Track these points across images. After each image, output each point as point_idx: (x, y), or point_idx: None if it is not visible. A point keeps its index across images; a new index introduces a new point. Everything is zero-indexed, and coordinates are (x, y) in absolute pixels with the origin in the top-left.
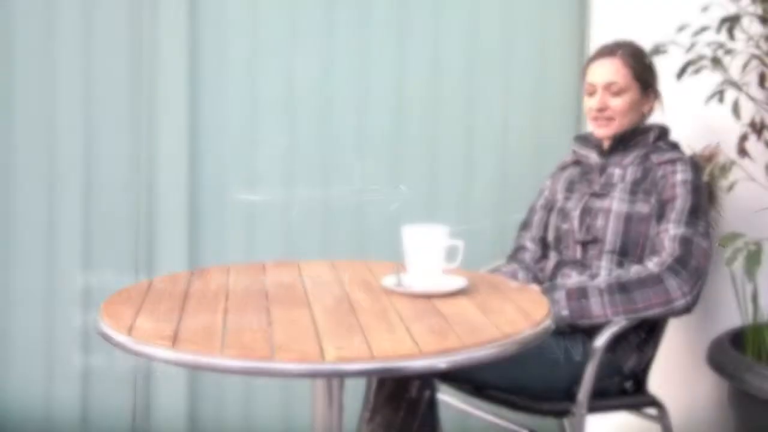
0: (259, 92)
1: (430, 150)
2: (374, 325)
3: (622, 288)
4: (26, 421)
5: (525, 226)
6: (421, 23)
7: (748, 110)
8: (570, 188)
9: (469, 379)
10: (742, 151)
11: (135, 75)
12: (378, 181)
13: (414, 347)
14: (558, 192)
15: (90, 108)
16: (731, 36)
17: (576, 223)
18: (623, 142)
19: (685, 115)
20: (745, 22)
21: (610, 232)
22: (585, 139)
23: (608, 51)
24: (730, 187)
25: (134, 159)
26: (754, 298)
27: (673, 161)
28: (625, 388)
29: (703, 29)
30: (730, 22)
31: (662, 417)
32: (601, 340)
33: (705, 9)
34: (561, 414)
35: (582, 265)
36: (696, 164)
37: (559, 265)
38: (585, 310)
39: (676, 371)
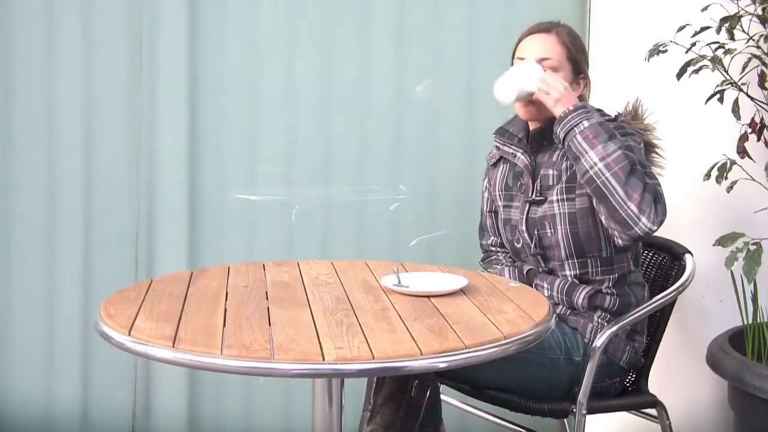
0: (259, 92)
1: (430, 150)
2: (374, 325)
3: (632, 163)
4: (26, 421)
5: (482, 231)
6: (421, 23)
7: (748, 110)
8: (508, 196)
9: (469, 379)
10: (742, 151)
11: (135, 75)
12: (378, 181)
13: (414, 347)
14: (497, 197)
15: (90, 108)
16: (731, 36)
17: (526, 237)
18: (545, 136)
19: (684, 115)
20: (745, 22)
21: (561, 239)
22: (506, 133)
23: (544, 28)
24: (730, 187)
25: (134, 159)
26: (754, 298)
27: None
28: (626, 386)
29: (703, 29)
30: (730, 22)
31: (662, 417)
32: (601, 340)
33: (705, 9)
34: (561, 414)
35: (549, 272)
36: (620, 128)
37: (530, 275)
38: (598, 139)
39: (676, 371)
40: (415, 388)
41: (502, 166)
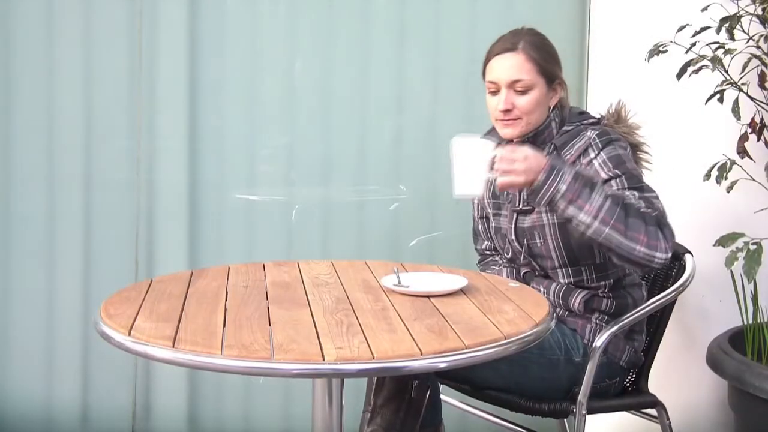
0: (259, 92)
1: (430, 150)
2: (374, 325)
3: (625, 206)
4: (26, 421)
5: (476, 236)
6: (421, 23)
7: (748, 110)
8: (496, 204)
9: (469, 379)
10: (742, 151)
11: (135, 75)
12: (378, 181)
13: (414, 347)
14: (486, 205)
15: (90, 108)
16: (731, 36)
17: (516, 245)
18: (531, 143)
19: (684, 115)
20: (745, 22)
21: (552, 249)
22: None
23: (509, 45)
24: (730, 187)
25: (134, 159)
26: (754, 298)
27: (584, 151)
28: (625, 386)
29: (703, 29)
30: (730, 22)
31: (662, 417)
32: (601, 340)
33: (705, 9)
34: (561, 414)
35: (545, 275)
36: (604, 134)
37: (526, 277)
38: (582, 198)
39: (676, 371)
40: (415, 388)
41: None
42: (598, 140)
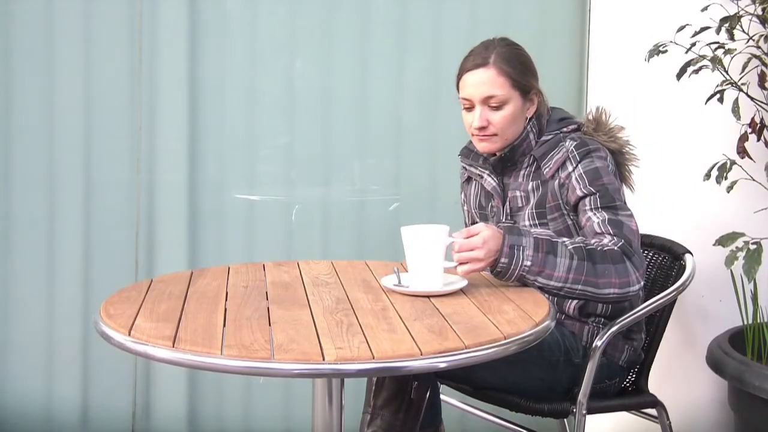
0: (259, 92)
1: (429, 150)
2: (374, 325)
3: (588, 255)
4: (26, 421)
5: None
6: (421, 23)
7: (748, 110)
8: (483, 215)
9: (468, 379)
10: (742, 151)
11: (135, 75)
12: (378, 181)
13: (414, 347)
14: (474, 214)
15: (90, 108)
16: (731, 36)
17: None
18: (509, 158)
19: (684, 115)
20: (745, 22)
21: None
22: (470, 153)
23: (480, 60)
24: (730, 187)
25: (134, 159)
26: (754, 298)
27: (562, 164)
28: (625, 386)
29: (703, 29)
30: (730, 22)
31: (662, 417)
32: (601, 340)
33: (705, 9)
34: (561, 414)
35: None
36: (582, 144)
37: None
38: (548, 268)
39: (676, 371)
40: (415, 389)
41: (474, 182)
42: (576, 152)
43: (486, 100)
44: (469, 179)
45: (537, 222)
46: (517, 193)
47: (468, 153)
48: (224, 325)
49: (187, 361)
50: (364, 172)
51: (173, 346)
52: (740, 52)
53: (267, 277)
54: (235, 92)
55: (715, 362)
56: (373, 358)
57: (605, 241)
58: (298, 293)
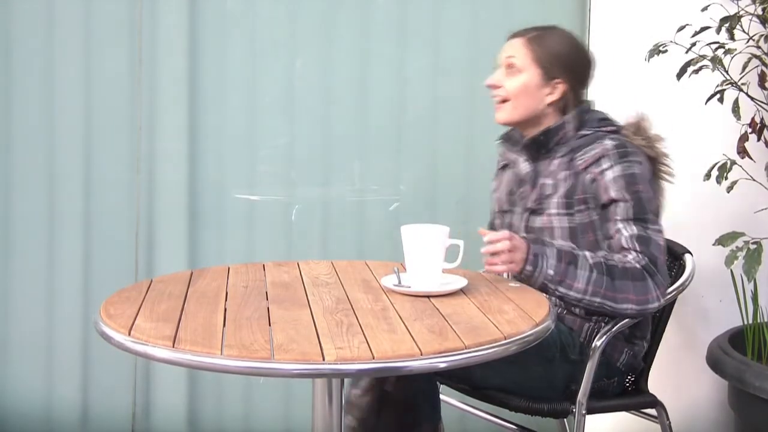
0: (259, 92)
1: (430, 150)
2: (374, 325)
3: (608, 270)
4: (26, 421)
5: (492, 229)
6: (421, 23)
7: (748, 110)
8: (511, 200)
9: (467, 377)
10: (742, 151)
11: (135, 75)
12: (378, 181)
13: (414, 347)
14: (503, 200)
15: (90, 108)
16: (731, 36)
17: None
18: (544, 144)
19: (684, 115)
20: (745, 22)
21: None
22: (510, 139)
23: (521, 32)
24: (730, 187)
25: (134, 159)
26: (755, 298)
27: (597, 160)
28: (625, 386)
29: (703, 29)
30: (730, 22)
31: (662, 417)
32: (600, 340)
33: (705, 9)
34: (561, 414)
35: None
36: (622, 146)
37: None
38: (569, 278)
39: (676, 371)
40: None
41: (509, 170)
42: (615, 151)
43: (506, 64)
44: (505, 166)
45: (564, 211)
46: (548, 181)
47: (508, 137)
48: (224, 325)
49: (187, 361)
50: (364, 172)
51: (173, 346)
52: (740, 52)
53: (267, 277)
54: (235, 92)
55: (715, 362)
56: (373, 358)
57: (630, 257)
58: (298, 293)
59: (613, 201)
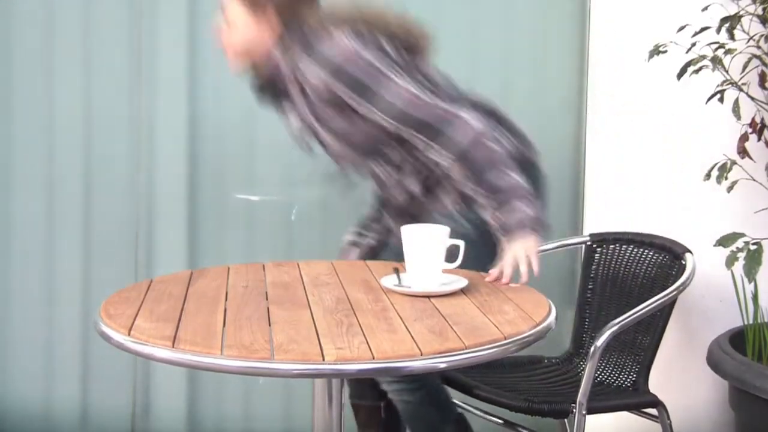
0: None
1: None
2: (374, 325)
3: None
4: (26, 421)
5: None
6: (420, 23)
7: (748, 110)
8: None
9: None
10: (743, 151)
11: (134, 74)
12: None
13: (414, 348)
14: None
15: (89, 108)
16: (731, 36)
17: None
18: None
19: (685, 115)
20: (746, 22)
21: None
22: None
23: None
24: (731, 187)
25: (134, 159)
26: (755, 298)
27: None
28: (626, 386)
29: (703, 29)
30: (731, 22)
31: (663, 417)
32: (601, 340)
33: (705, 9)
34: (561, 414)
35: None
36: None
37: None
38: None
39: (677, 371)
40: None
41: None
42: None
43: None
44: None
45: None
46: None
47: None
48: (224, 325)
49: (187, 361)
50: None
51: (173, 346)
52: (741, 52)
53: (267, 277)
54: (235, 92)
55: (715, 362)
56: (374, 358)
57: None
58: (298, 293)
59: None
